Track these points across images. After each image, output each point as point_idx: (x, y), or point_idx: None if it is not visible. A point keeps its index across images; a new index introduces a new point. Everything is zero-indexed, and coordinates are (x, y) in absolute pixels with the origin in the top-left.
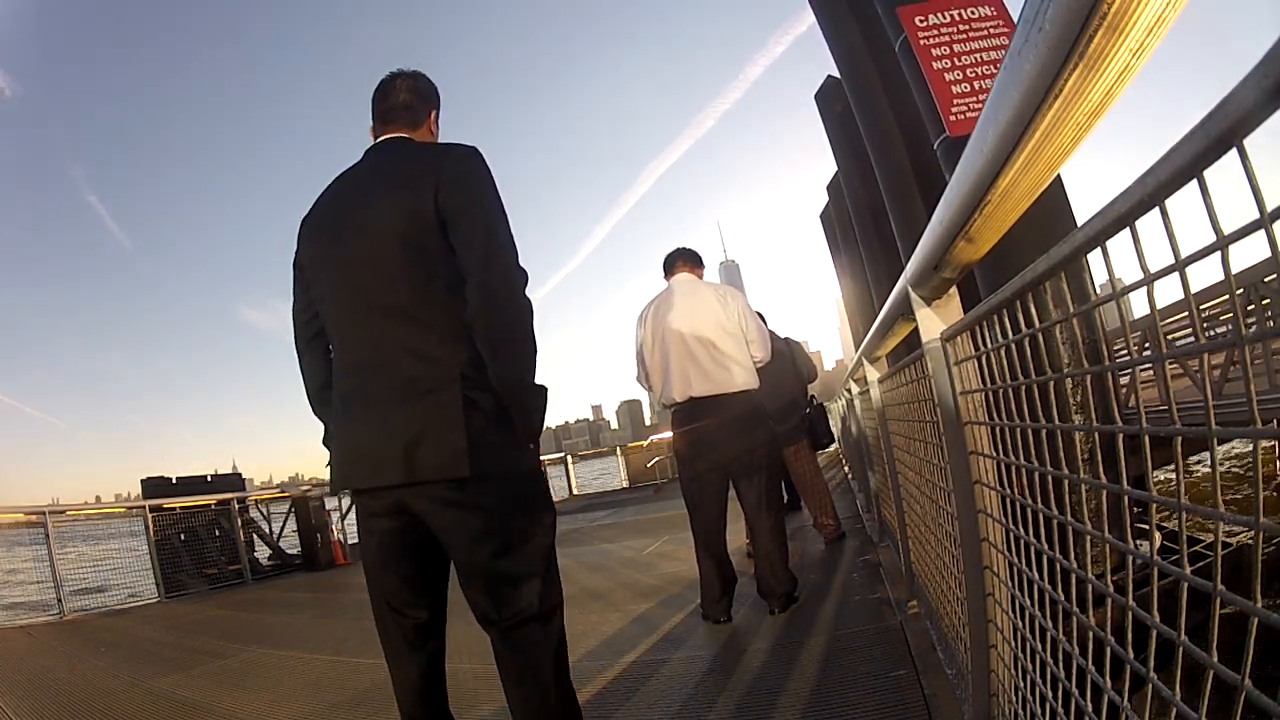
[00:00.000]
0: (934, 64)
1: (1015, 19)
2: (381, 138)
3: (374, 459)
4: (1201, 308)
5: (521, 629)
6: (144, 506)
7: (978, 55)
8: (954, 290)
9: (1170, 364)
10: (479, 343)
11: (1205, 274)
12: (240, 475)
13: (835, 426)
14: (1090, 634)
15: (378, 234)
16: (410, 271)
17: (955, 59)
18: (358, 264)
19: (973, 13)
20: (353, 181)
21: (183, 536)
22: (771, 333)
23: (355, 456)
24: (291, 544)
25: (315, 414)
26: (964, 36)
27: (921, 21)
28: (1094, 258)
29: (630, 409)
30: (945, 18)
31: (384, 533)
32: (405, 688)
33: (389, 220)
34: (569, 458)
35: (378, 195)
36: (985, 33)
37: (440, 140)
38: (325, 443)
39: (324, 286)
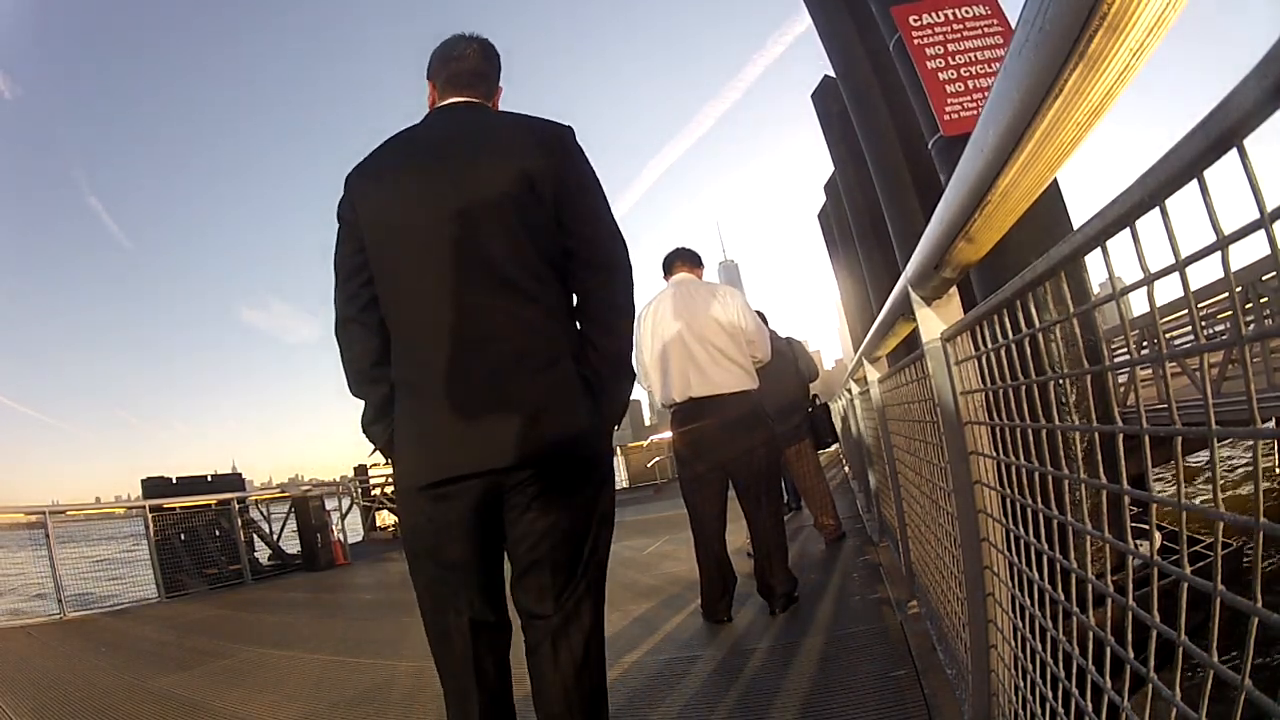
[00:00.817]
0: (928, 63)
1: (1010, 18)
2: (452, 100)
3: (482, 439)
4: (1200, 305)
5: (576, 621)
6: (144, 506)
7: (972, 55)
8: (954, 290)
9: (1169, 362)
10: (590, 319)
11: (1203, 272)
12: (240, 475)
13: (836, 426)
14: (1090, 634)
15: (486, 197)
16: (520, 238)
17: (949, 58)
18: (457, 227)
19: (966, 12)
20: (436, 141)
21: (183, 536)
22: (773, 332)
23: (456, 439)
24: (291, 544)
25: (357, 393)
26: (958, 36)
27: (915, 21)
28: (1093, 258)
29: (630, 410)
30: (939, 17)
31: (471, 527)
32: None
33: (501, 184)
34: None
35: (483, 156)
36: (979, 32)
37: None
38: (368, 428)
39: (399, 248)
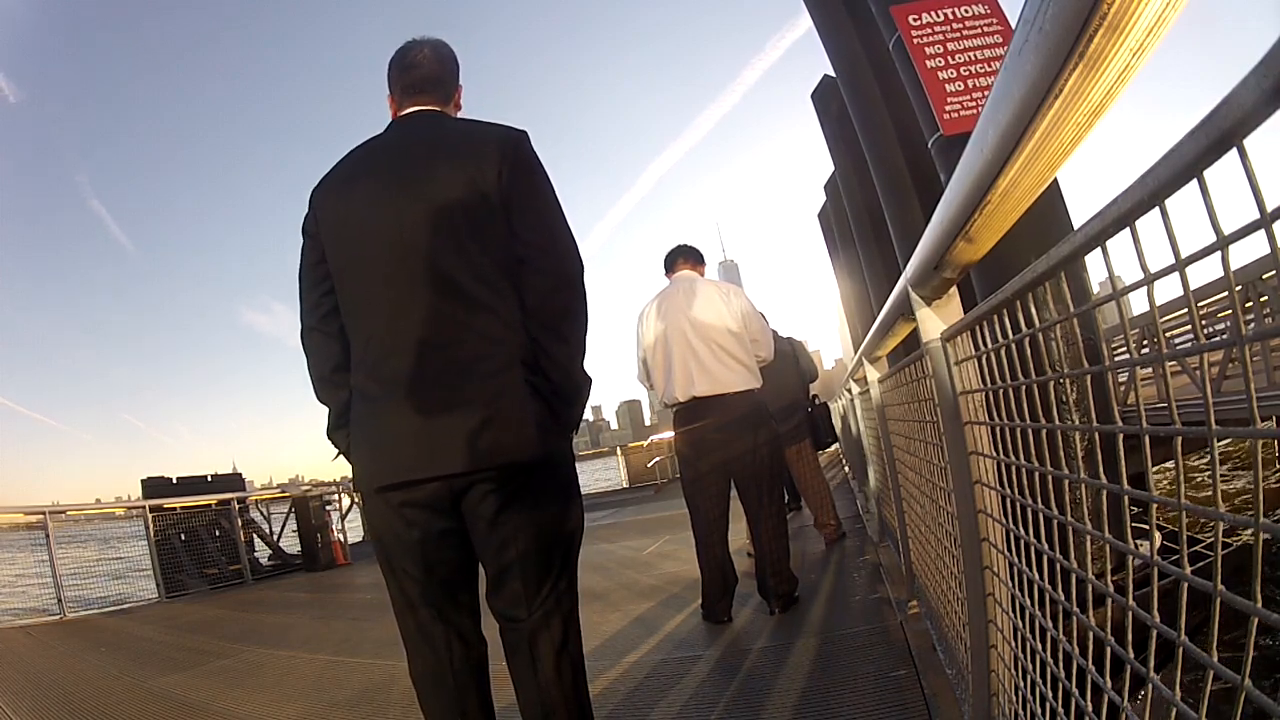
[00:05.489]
0: (927, 63)
1: (1010, 18)
2: (410, 110)
3: (432, 445)
4: (1200, 305)
5: (551, 624)
6: (144, 506)
7: (971, 54)
8: (954, 290)
9: (1169, 362)
10: (540, 327)
11: (1203, 271)
12: (240, 475)
13: (835, 426)
14: (1090, 634)
15: (438, 206)
16: (472, 247)
17: (949, 57)
18: (411, 236)
19: (966, 11)
20: (392, 151)
21: (183, 536)
22: (774, 332)
23: (407, 444)
24: (292, 544)
25: (321, 399)
26: (957, 35)
27: (915, 20)
28: (1093, 258)
29: (630, 409)
30: (938, 16)
31: (429, 528)
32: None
33: (454, 193)
34: None
35: (435, 167)
36: (979, 31)
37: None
38: (332, 433)
39: (356, 258)
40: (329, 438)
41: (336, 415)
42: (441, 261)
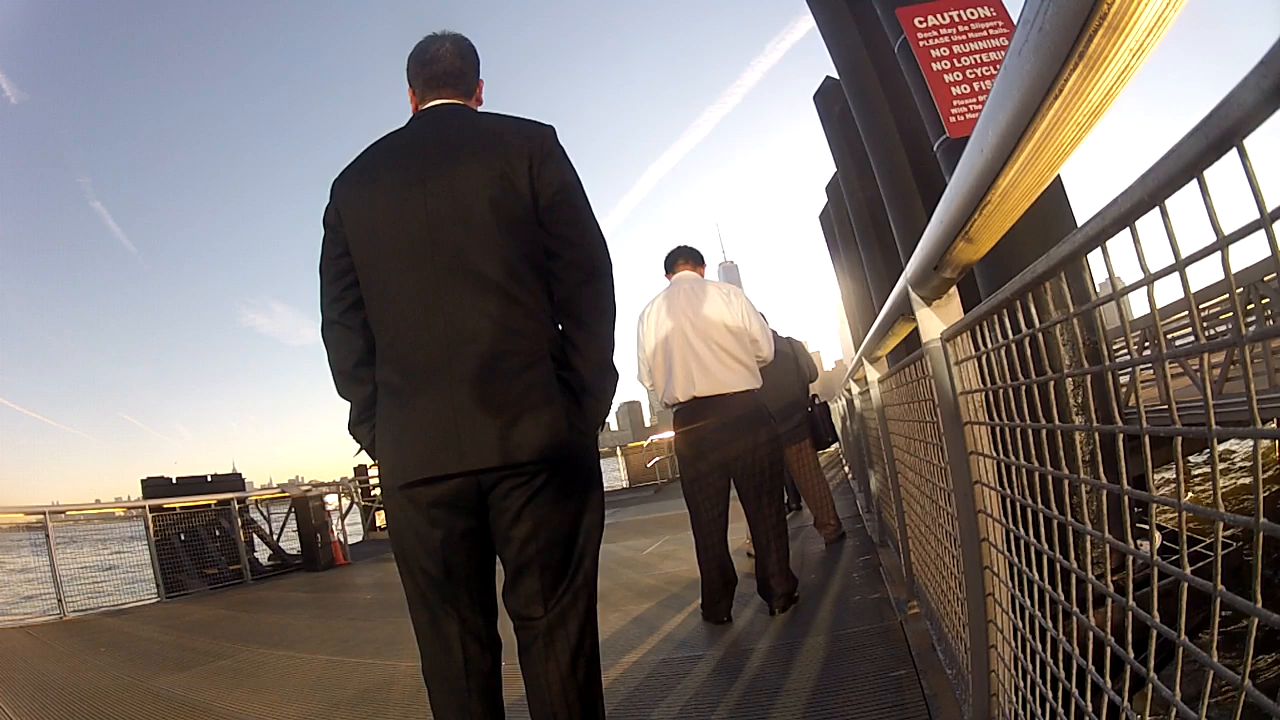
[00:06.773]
0: (933, 65)
1: (1015, 20)
2: (433, 103)
3: (460, 440)
4: (1200, 307)
5: (566, 623)
6: (144, 507)
7: (977, 56)
8: (954, 290)
9: (1170, 363)
10: (571, 320)
11: (1204, 273)
12: (240, 475)
13: (836, 426)
14: (1090, 634)
15: (465, 199)
16: (500, 240)
17: (955, 60)
18: (439, 228)
19: (972, 14)
20: (416, 145)
21: (183, 537)
22: (774, 332)
23: (434, 439)
24: (291, 544)
25: (342, 393)
26: (963, 38)
27: (921, 23)
28: (1094, 258)
29: (630, 410)
30: (944, 19)
31: (453, 527)
32: None
33: (481, 186)
34: None
35: (463, 158)
36: (984, 34)
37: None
38: (354, 428)
39: (381, 251)
40: (350, 433)
41: (359, 410)
42: (469, 255)
